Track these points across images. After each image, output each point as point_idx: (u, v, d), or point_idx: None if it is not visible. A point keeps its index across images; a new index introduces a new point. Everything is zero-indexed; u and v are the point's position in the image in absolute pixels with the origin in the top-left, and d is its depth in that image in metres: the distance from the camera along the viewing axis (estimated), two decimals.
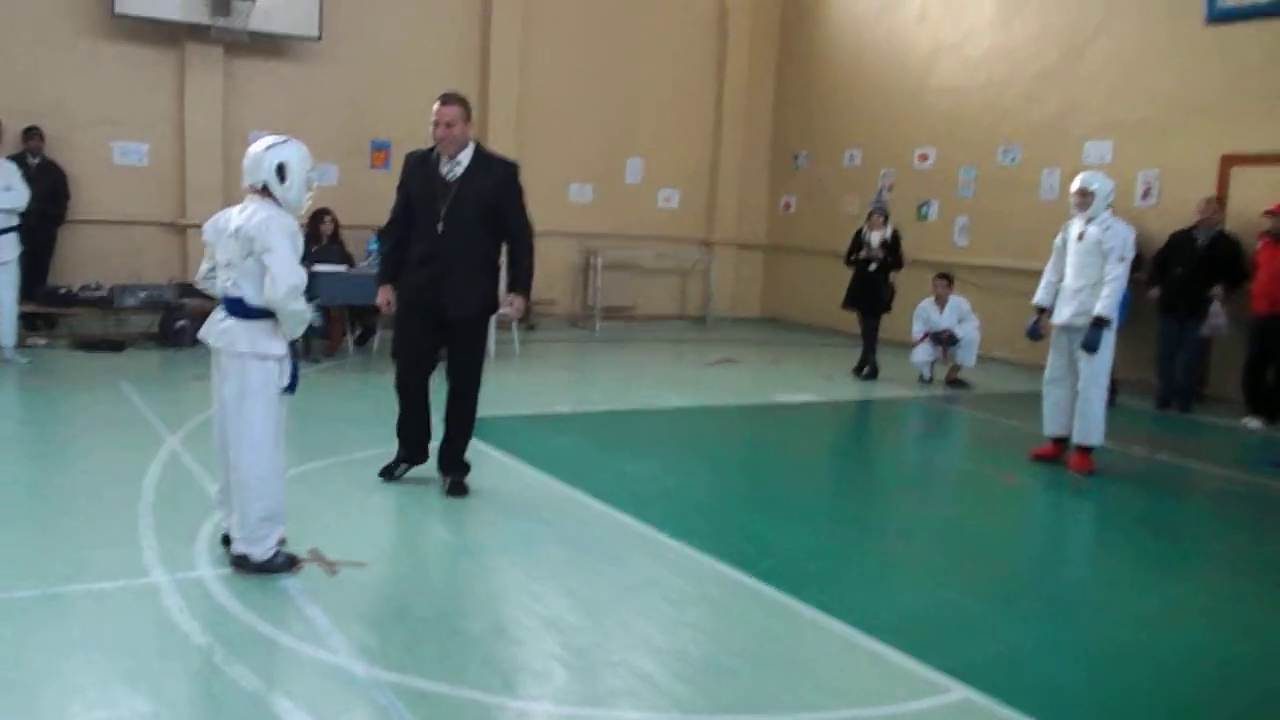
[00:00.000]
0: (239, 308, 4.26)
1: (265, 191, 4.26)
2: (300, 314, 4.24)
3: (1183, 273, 9.38)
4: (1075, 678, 3.86)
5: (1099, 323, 6.76)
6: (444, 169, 5.49)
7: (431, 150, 5.57)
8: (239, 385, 4.26)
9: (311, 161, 4.36)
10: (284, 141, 4.32)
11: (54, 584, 4.13)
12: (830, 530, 5.65)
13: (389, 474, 5.85)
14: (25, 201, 8.80)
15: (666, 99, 14.58)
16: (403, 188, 5.67)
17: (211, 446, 4.52)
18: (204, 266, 4.51)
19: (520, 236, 5.64)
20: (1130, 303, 9.27)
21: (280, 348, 4.29)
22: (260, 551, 4.30)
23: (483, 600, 4.33)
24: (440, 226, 5.44)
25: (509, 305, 5.61)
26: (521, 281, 5.63)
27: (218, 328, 4.32)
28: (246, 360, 4.25)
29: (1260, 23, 8.94)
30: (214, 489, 4.58)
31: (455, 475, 5.74)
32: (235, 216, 4.27)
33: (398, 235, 5.68)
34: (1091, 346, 6.79)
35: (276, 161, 4.24)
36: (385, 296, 5.69)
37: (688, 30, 14.67)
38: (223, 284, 4.32)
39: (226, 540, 4.48)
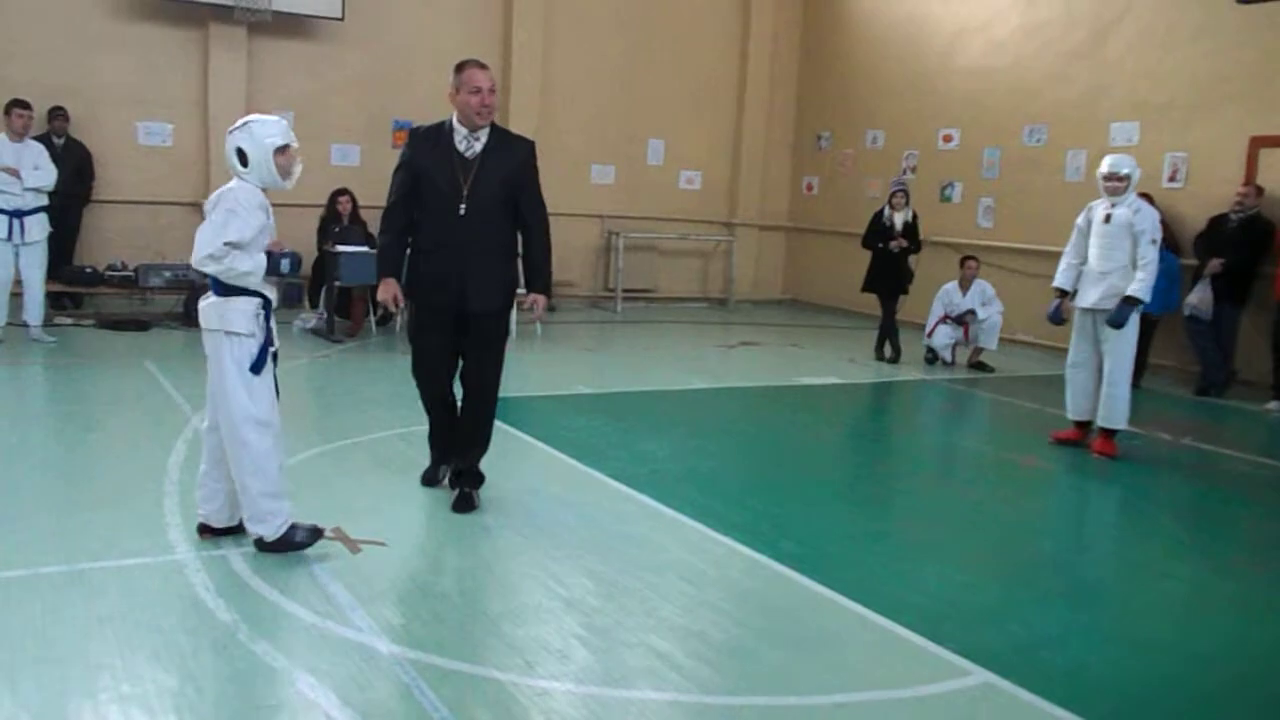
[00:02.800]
0: (217, 283, 4.27)
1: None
2: (223, 272, 4.16)
3: (1219, 254, 9.30)
4: (1098, 664, 3.85)
5: (1130, 301, 6.70)
6: (461, 145, 4.93)
7: (442, 125, 5.01)
8: (215, 363, 4.29)
9: (282, 133, 4.25)
10: (244, 125, 4.27)
11: (81, 560, 4.18)
12: (851, 513, 5.65)
13: (431, 480, 5.46)
14: (53, 181, 8.86)
15: (689, 80, 14.51)
16: (408, 168, 5.02)
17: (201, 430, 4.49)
18: None
19: (540, 224, 5.16)
20: (1180, 285, 9.22)
21: (248, 325, 4.24)
22: (270, 530, 4.29)
23: (503, 580, 4.35)
24: (463, 209, 4.90)
25: (531, 306, 5.14)
26: (542, 276, 5.16)
27: (200, 305, 4.35)
28: (219, 337, 4.26)
29: None
30: (201, 470, 4.48)
31: (467, 485, 5.20)
32: None
33: (401, 222, 5.08)
34: (1119, 323, 6.74)
35: (234, 147, 4.23)
36: (391, 291, 5.07)
37: (711, 10, 14.59)
38: None
39: (201, 529, 4.46)
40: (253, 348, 4.27)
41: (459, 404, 5.31)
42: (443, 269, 4.97)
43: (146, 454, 5.71)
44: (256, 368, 4.29)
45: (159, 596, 3.89)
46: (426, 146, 5.00)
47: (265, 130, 4.26)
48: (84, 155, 10.75)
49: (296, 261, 4.39)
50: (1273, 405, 8.95)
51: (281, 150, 4.25)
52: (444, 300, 5.01)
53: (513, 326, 10.56)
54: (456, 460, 5.27)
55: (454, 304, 4.99)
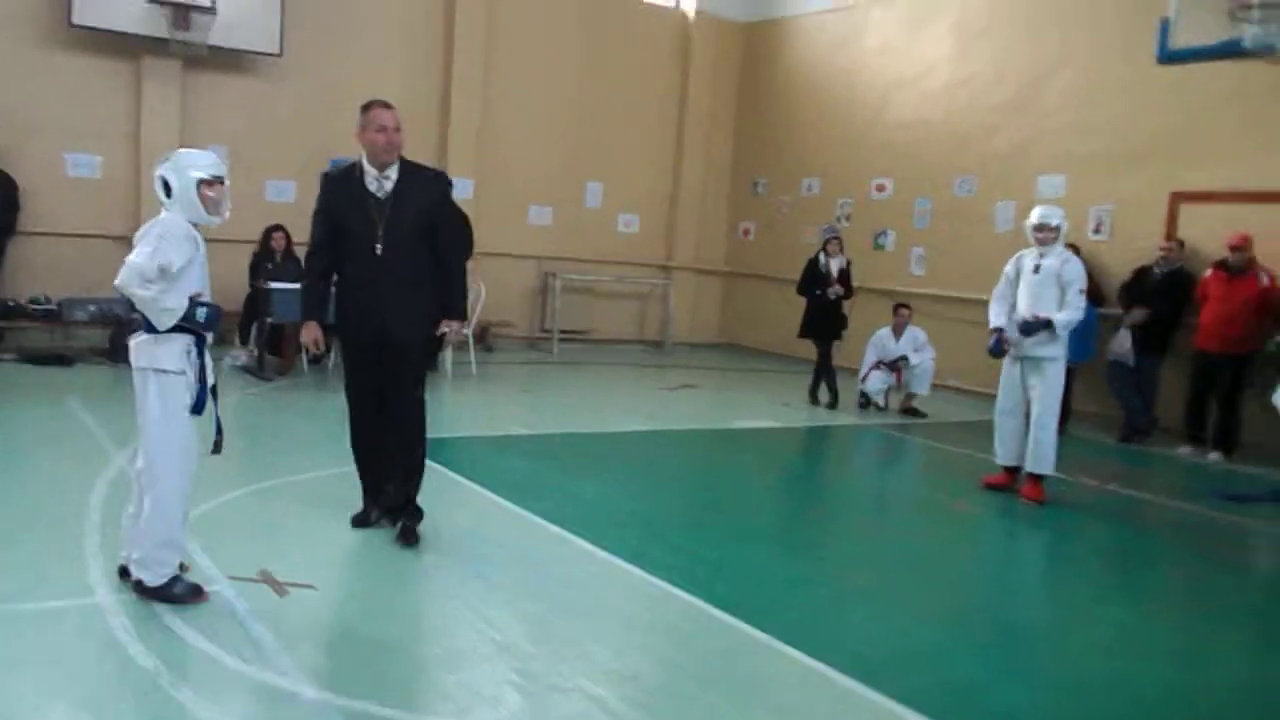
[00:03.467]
0: (147, 321, 4.16)
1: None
2: (149, 301, 4.04)
3: (1142, 305, 9.56)
4: (1030, 707, 3.89)
5: (1046, 324, 6.86)
6: (372, 186, 5.02)
7: (352, 167, 5.11)
8: (140, 401, 4.18)
9: (209, 166, 4.19)
10: (170, 157, 4.22)
11: None
12: (786, 556, 5.66)
13: (364, 523, 5.38)
14: None
15: (628, 124, 14.64)
16: (324, 212, 5.14)
17: (131, 471, 4.38)
18: None
19: (456, 253, 5.36)
20: (1096, 335, 9.44)
21: (178, 363, 4.14)
22: (152, 577, 4.14)
23: (435, 624, 4.28)
24: (378, 248, 4.98)
25: (448, 329, 5.24)
26: (457, 303, 5.26)
27: (131, 343, 4.24)
28: (146, 375, 4.15)
29: (1210, 64, 9.14)
30: (127, 512, 4.36)
31: (409, 520, 5.23)
32: None
33: (322, 265, 5.18)
34: (1027, 331, 6.90)
35: (159, 177, 4.18)
36: (313, 334, 5.17)
37: (650, 57, 14.76)
38: None
39: (123, 572, 4.31)
40: (181, 386, 4.16)
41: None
42: (364, 305, 5.06)
43: (67, 493, 5.54)
44: (198, 408, 4.20)
45: (77, 640, 3.77)
46: (339, 190, 5.12)
47: (191, 161, 4.19)
48: (10, 185, 10.50)
49: (216, 315, 4.23)
50: (1185, 450, 9.20)
51: (209, 183, 4.17)
52: (367, 335, 5.10)
53: (448, 366, 10.57)
54: (395, 493, 5.27)
55: (376, 337, 5.07)
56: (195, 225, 4.22)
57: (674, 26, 14.99)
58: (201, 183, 4.16)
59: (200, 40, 10.98)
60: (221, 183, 4.23)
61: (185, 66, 11.43)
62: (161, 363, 4.13)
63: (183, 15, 10.82)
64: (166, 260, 4.03)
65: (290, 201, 11.87)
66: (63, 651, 3.67)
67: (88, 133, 11.23)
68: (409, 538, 5.17)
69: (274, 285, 9.80)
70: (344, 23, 12.42)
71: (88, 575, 4.38)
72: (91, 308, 10.23)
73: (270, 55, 11.68)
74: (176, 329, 4.13)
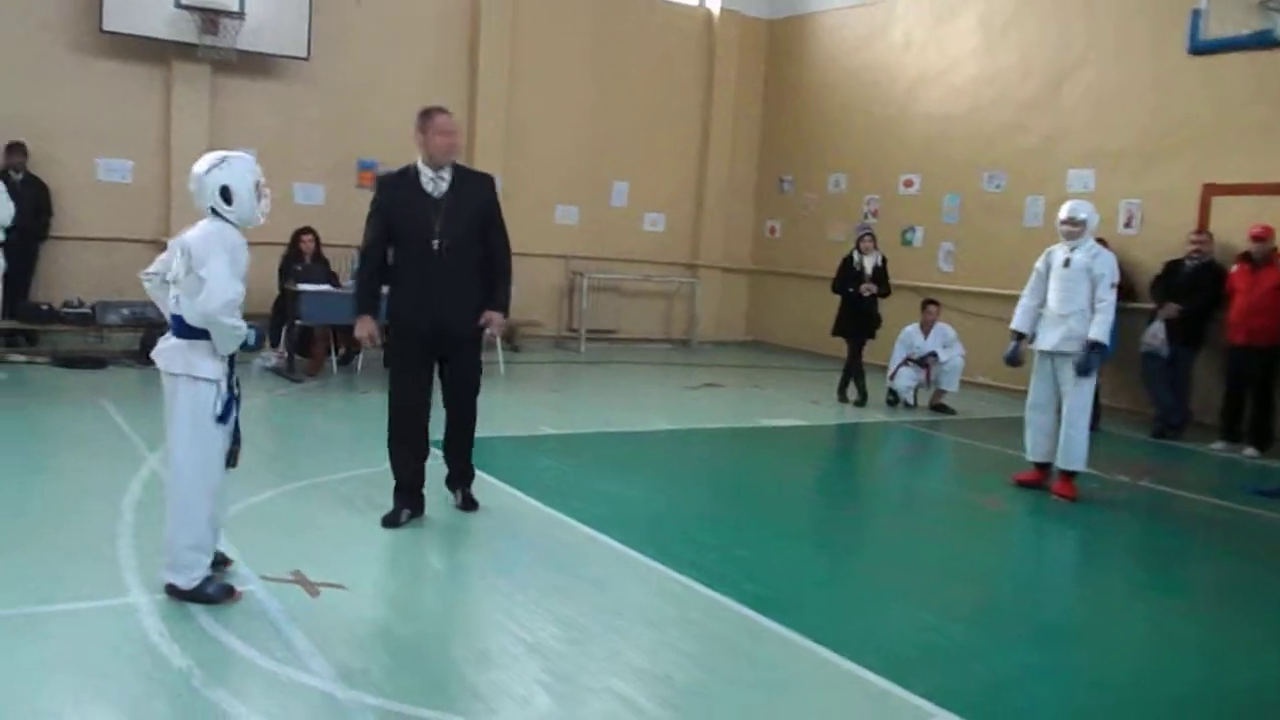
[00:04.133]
0: (180, 326, 4.19)
1: (215, 213, 4.22)
2: (233, 329, 4.12)
3: (1173, 299, 9.47)
4: (1060, 705, 3.85)
5: (1093, 346, 6.80)
6: (428, 186, 5.30)
7: (407, 170, 5.39)
8: (171, 406, 4.20)
9: (259, 170, 4.28)
10: (222, 162, 4.22)
11: (30, 603, 4.08)
12: (815, 554, 5.64)
13: (394, 523, 5.44)
14: (10, 217, 8.76)
15: (653, 123, 14.63)
16: (381, 212, 5.40)
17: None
18: (153, 265, 4.41)
19: (503, 251, 5.58)
20: (1118, 330, 9.34)
21: (214, 371, 4.17)
22: (185, 580, 4.18)
23: (465, 624, 4.30)
24: (436, 245, 5.26)
25: (490, 322, 5.50)
26: (503, 298, 5.57)
27: (161, 346, 4.26)
28: (180, 381, 4.17)
29: (1241, 54, 9.04)
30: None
31: (467, 488, 5.76)
32: (187, 234, 4.23)
33: (376, 264, 5.44)
34: (1086, 370, 6.84)
35: (220, 185, 4.18)
36: (369, 328, 5.41)
37: (675, 55, 14.75)
38: (171, 301, 4.25)
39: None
40: (212, 394, 4.19)
41: (428, 442, 5.61)
42: (421, 300, 5.32)
43: (100, 494, 5.60)
44: (224, 416, 4.23)
45: (111, 641, 3.80)
46: (396, 191, 5.38)
47: (247, 165, 4.26)
48: (43, 190, 10.63)
49: (260, 335, 4.39)
50: (1219, 445, 9.10)
51: (258, 185, 4.25)
52: (423, 329, 5.36)
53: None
54: (455, 465, 5.74)
55: (433, 331, 5.36)
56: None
57: (698, 24, 14.97)
58: (257, 185, 4.24)
59: (229, 45, 11.07)
60: (261, 184, 4.31)
61: (214, 71, 11.52)
62: (197, 369, 4.16)
63: (211, 20, 10.91)
64: (243, 280, 4.14)
65: (319, 204, 11.95)
66: (96, 652, 3.70)
67: (119, 138, 11.35)
68: (471, 505, 5.72)
69: (303, 287, 9.87)
70: (370, 26, 12.48)
71: (121, 576, 4.43)
72: (125, 311, 10.34)
73: (298, 59, 11.76)
74: (203, 333, 4.15)
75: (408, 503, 5.51)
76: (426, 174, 5.32)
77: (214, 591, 4.23)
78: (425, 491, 5.62)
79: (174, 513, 4.19)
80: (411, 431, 5.49)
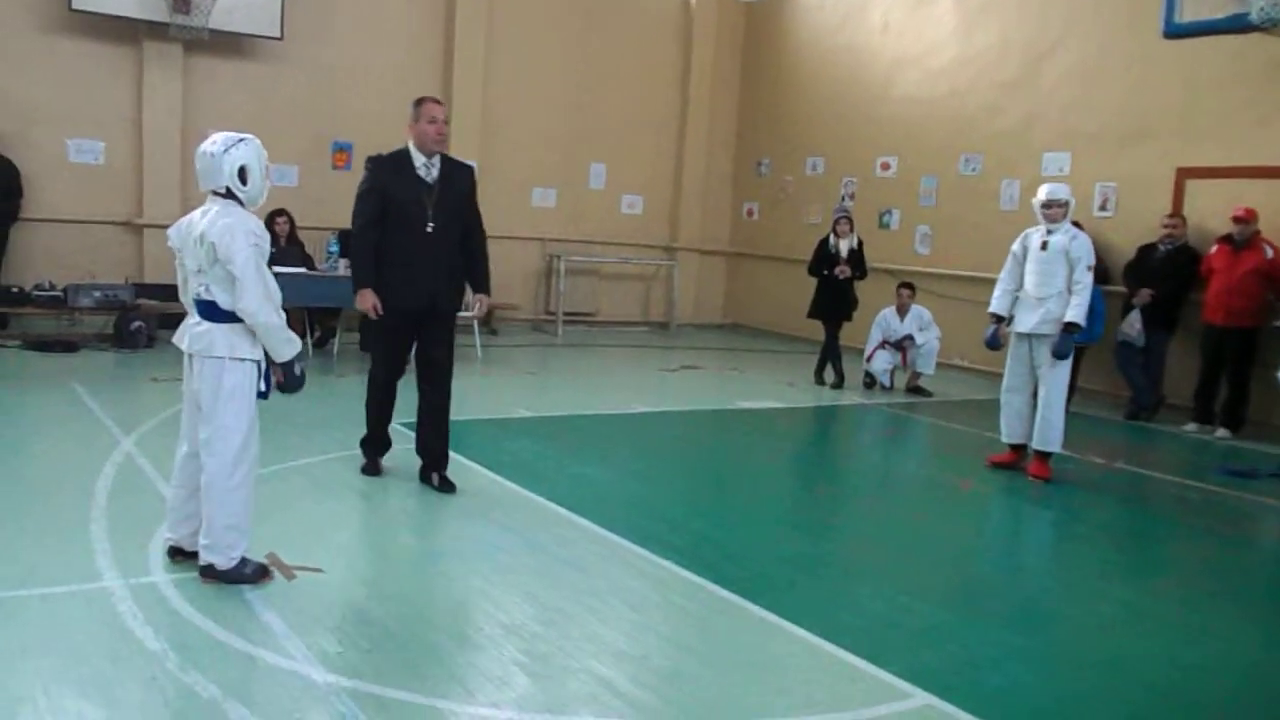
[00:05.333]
0: (214, 311, 4.16)
1: (228, 193, 4.19)
2: (276, 329, 4.15)
3: (1147, 284, 9.53)
4: (1036, 684, 3.89)
5: (1070, 328, 6.84)
6: (421, 172, 5.66)
7: (400, 154, 5.70)
8: (214, 389, 4.16)
9: (266, 154, 4.29)
10: (239, 141, 4.20)
11: (3, 588, 4.04)
12: (792, 536, 5.66)
13: (376, 470, 6.05)
14: None
15: (631, 105, 14.58)
16: (376, 191, 5.67)
17: (177, 452, 4.40)
18: (179, 278, 4.36)
19: (482, 236, 6.00)
20: (1104, 315, 9.41)
21: (257, 351, 4.21)
22: (224, 560, 4.20)
23: (443, 606, 4.29)
24: (430, 226, 5.64)
25: (477, 304, 5.96)
26: (485, 280, 5.99)
27: (193, 331, 4.21)
28: (225, 364, 4.15)
29: (1216, 38, 9.07)
30: (169, 495, 4.48)
31: (443, 468, 5.90)
32: (198, 221, 4.16)
33: (373, 240, 5.70)
34: (1063, 353, 6.89)
35: (238, 165, 4.15)
36: (371, 300, 5.68)
37: (652, 37, 14.70)
38: (195, 289, 4.21)
39: (173, 553, 4.40)
40: (254, 373, 4.22)
41: (418, 399, 5.99)
42: (414, 276, 5.68)
43: (73, 479, 5.55)
44: (266, 392, 4.28)
45: (84, 625, 3.77)
46: (392, 173, 5.70)
47: (259, 147, 4.26)
48: (13, 172, 10.49)
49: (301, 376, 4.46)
50: (1191, 427, 9.18)
51: (266, 168, 4.29)
52: (415, 303, 5.71)
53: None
54: (434, 444, 5.90)
55: (423, 305, 5.72)
56: None
57: (676, 6, 14.91)
58: (266, 167, 4.26)
59: (200, 24, 10.95)
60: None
61: (186, 50, 11.41)
62: (242, 351, 4.18)
63: None
64: (268, 278, 4.15)
65: (292, 186, 11.85)
66: (69, 636, 3.68)
67: (90, 118, 11.22)
68: (450, 486, 5.83)
69: (277, 270, 9.72)
70: (344, 6, 12.38)
71: (94, 560, 4.39)
72: (97, 294, 10.23)
73: (271, 39, 11.65)
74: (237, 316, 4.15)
75: (378, 450, 6.07)
76: (419, 160, 5.67)
77: (251, 572, 4.25)
78: (395, 478, 5.92)
79: (213, 493, 4.18)
80: (390, 395, 6.00)
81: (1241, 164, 9.47)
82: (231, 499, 4.20)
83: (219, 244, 4.07)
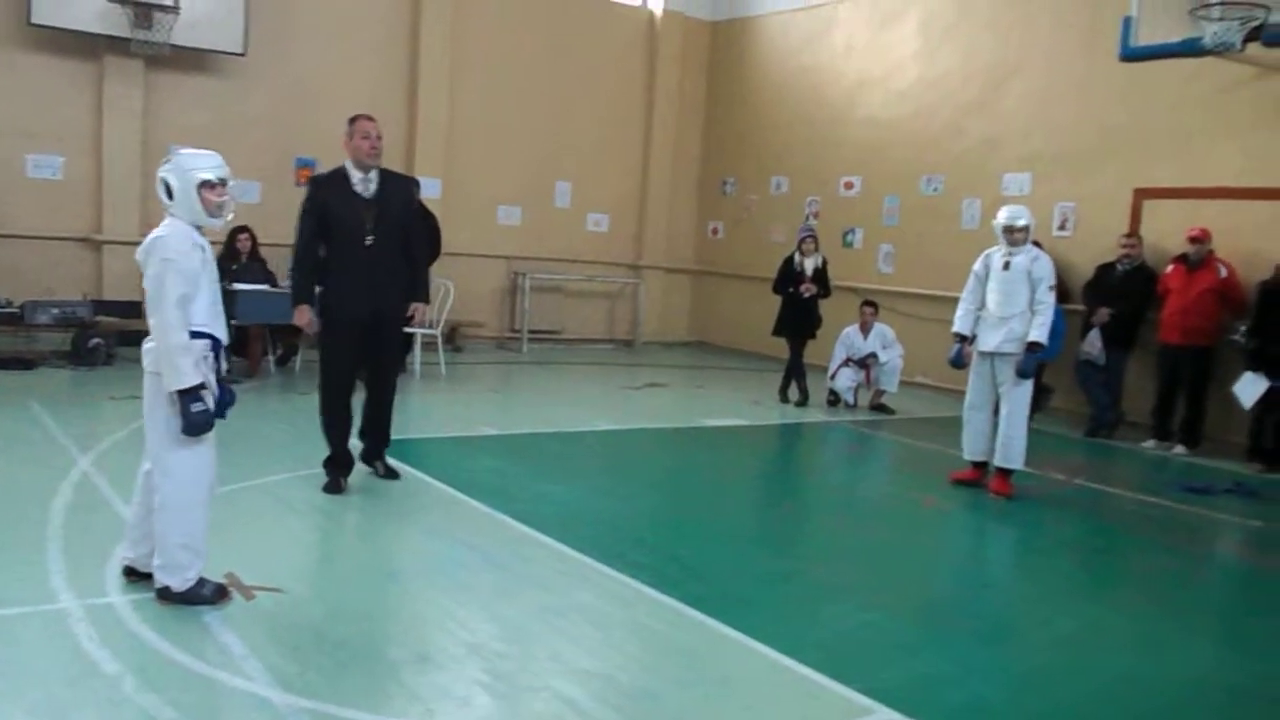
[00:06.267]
0: None
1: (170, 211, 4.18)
2: (170, 352, 3.98)
3: (1105, 302, 9.65)
4: (997, 700, 3.91)
5: (1033, 347, 6.92)
6: (359, 188, 5.87)
7: (337, 172, 5.94)
8: (161, 407, 4.12)
9: (211, 168, 4.17)
10: (168, 160, 4.19)
11: None
12: (756, 553, 5.67)
13: (338, 489, 6.02)
14: None
15: (596, 123, 14.62)
16: (314, 212, 5.90)
17: (139, 470, 4.35)
18: None
19: (422, 246, 6.37)
20: (1064, 334, 9.52)
21: (204, 370, 4.12)
22: (179, 581, 4.15)
23: (404, 625, 4.25)
24: (369, 240, 5.84)
25: (416, 310, 6.19)
26: (423, 289, 6.33)
27: (145, 347, 4.17)
28: (161, 381, 4.10)
29: (1171, 62, 9.24)
30: (129, 512, 4.41)
31: (382, 455, 6.31)
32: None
33: (313, 259, 5.93)
34: (1027, 372, 6.97)
35: (161, 179, 4.15)
36: (307, 316, 5.91)
37: (618, 56, 14.75)
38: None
39: (128, 572, 4.34)
40: (213, 391, 4.14)
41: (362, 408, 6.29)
42: (357, 289, 5.86)
43: (29, 498, 5.46)
44: (221, 411, 4.19)
45: (39, 647, 3.71)
46: (330, 191, 5.91)
47: (193, 163, 4.17)
48: None
49: (232, 399, 4.32)
50: (1150, 444, 9.30)
51: (210, 185, 4.14)
52: (359, 315, 5.89)
53: (417, 367, 10.51)
54: (377, 441, 6.30)
55: (367, 318, 5.90)
56: (199, 228, 4.18)
57: (641, 25, 14.98)
58: (204, 185, 4.13)
59: (163, 39, 10.85)
60: (225, 184, 4.20)
61: (148, 66, 11.30)
62: (199, 365, 4.10)
63: (145, 14, 10.69)
64: (180, 293, 4.01)
65: (255, 203, 11.75)
66: (24, 658, 3.61)
67: (49, 133, 11.08)
68: (393, 474, 6.30)
69: (239, 286, 9.69)
70: (308, 22, 12.33)
71: (50, 581, 4.32)
72: (54, 311, 10.08)
73: (234, 55, 11.58)
74: (195, 334, 4.09)
75: (343, 470, 6.10)
76: (356, 176, 5.89)
77: (209, 593, 4.19)
78: (358, 496, 5.96)
79: (166, 512, 4.12)
80: (344, 407, 6.10)
81: (1196, 184, 9.64)
82: (184, 518, 4.14)
83: (139, 258, 4.10)
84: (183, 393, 4.01)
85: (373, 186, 5.91)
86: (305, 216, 5.95)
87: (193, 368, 4.02)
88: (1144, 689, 4.16)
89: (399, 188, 6.13)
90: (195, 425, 4.03)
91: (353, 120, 5.93)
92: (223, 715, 3.32)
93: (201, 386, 4.05)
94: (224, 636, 3.90)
